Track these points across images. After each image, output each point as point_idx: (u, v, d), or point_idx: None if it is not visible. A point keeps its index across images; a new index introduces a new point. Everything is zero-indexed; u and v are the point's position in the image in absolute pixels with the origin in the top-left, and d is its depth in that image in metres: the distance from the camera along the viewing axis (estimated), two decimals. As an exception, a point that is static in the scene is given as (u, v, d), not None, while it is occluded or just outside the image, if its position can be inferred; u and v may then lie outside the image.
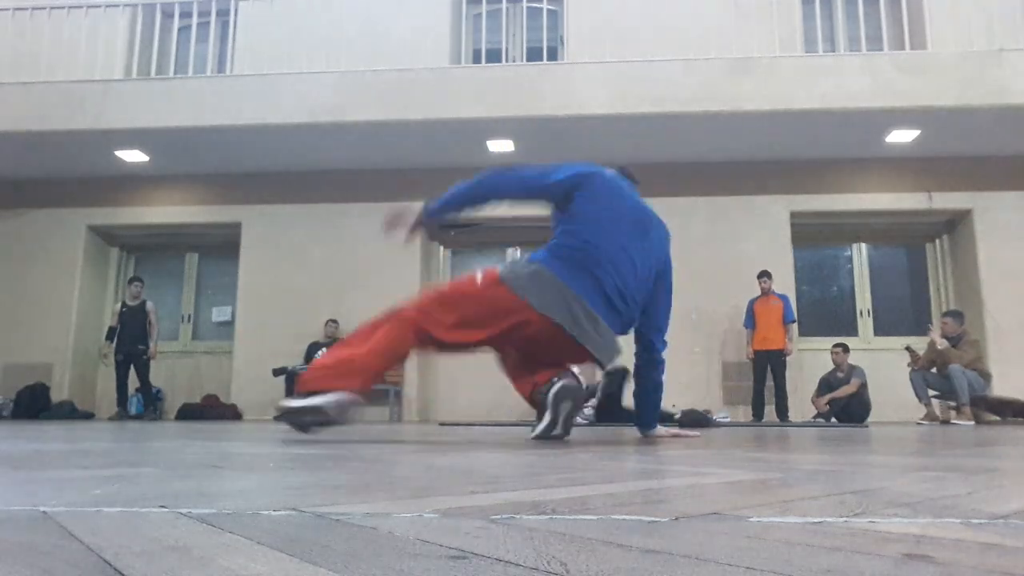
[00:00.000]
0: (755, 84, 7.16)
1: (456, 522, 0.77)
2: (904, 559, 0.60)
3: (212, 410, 8.24)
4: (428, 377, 8.69)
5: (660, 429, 3.21)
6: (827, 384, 7.62)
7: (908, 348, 7.50)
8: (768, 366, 7.61)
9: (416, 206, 2.95)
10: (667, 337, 3.09)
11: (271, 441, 2.70)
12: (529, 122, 7.45)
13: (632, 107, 7.22)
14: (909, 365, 7.40)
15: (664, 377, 3.12)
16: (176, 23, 8.67)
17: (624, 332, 2.95)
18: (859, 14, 7.70)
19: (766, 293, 7.72)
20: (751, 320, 7.75)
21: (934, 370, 7.31)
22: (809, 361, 8.07)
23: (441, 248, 9.21)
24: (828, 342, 7.97)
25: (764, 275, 7.73)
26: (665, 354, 3.08)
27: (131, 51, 8.51)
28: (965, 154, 8.17)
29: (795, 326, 7.76)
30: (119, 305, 8.33)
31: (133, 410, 8.25)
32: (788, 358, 7.65)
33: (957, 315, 7.36)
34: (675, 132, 7.63)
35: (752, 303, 7.80)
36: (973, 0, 7.62)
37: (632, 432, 3.85)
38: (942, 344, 7.12)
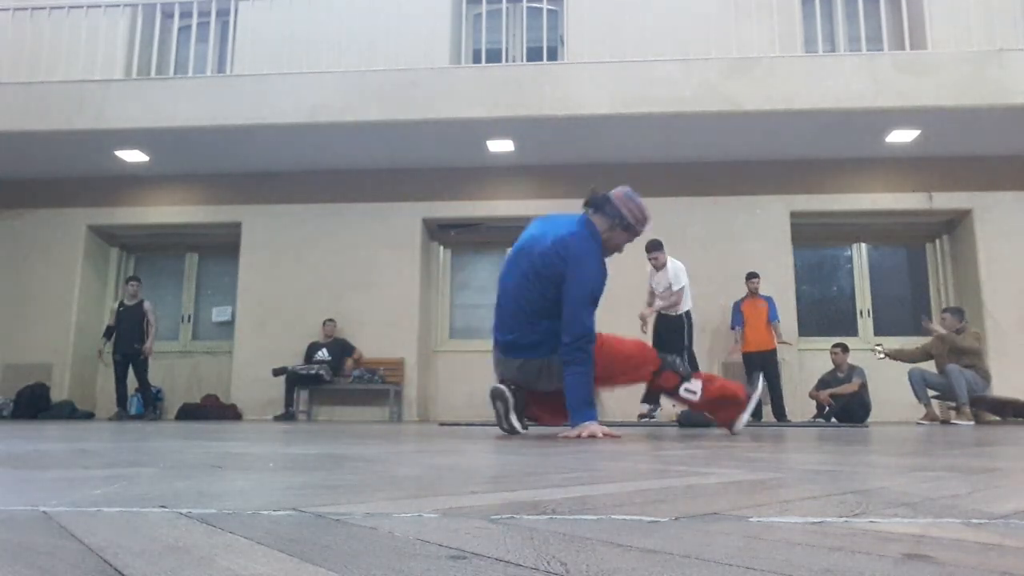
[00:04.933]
0: (755, 84, 7.15)
1: (456, 522, 0.77)
2: (904, 559, 0.60)
3: (212, 410, 8.23)
4: (428, 377, 8.69)
5: (584, 427, 3.11)
6: (827, 384, 7.61)
7: (879, 347, 7.47)
8: (760, 368, 7.58)
9: (590, 426, 3.13)
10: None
11: (271, 441, 2.70)
12: (529, 122, 7.45)
13: (632, 107, 7.22)
14: (880, 358, 7.36)
15: (576, 370, 3.21)
16: (176, 23, 8.66)
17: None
18: (859, 14, 7.70)
19: (754, 294, 7.70)
20: (739, 320, 7.73)
21: (934, 369, 7.30)
22: (809, 361, 8.07)
23: (441, 248, 9.21)
24: (828, 342, 7.95)
25: (753, 276, 7.72)
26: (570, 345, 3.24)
27: (131, 51, 8.51)
28: (965, 154, 8.17)
29: (779, 324, 7.71)
30: (117, 304, 8.32)
31: (133, 410, 8.25)
32: (787, 356, 7.61)
33: (957, 311, 7.35)
34: (675, 132, 7.63)
35: (738, 304, 7.77)
36: (973, 0, 7.62)
37: (631, 432, 3.85)
38: (941, 330, 7.10)
